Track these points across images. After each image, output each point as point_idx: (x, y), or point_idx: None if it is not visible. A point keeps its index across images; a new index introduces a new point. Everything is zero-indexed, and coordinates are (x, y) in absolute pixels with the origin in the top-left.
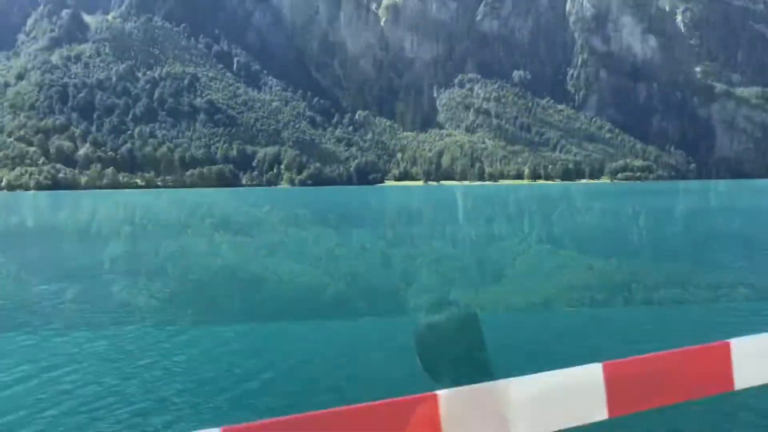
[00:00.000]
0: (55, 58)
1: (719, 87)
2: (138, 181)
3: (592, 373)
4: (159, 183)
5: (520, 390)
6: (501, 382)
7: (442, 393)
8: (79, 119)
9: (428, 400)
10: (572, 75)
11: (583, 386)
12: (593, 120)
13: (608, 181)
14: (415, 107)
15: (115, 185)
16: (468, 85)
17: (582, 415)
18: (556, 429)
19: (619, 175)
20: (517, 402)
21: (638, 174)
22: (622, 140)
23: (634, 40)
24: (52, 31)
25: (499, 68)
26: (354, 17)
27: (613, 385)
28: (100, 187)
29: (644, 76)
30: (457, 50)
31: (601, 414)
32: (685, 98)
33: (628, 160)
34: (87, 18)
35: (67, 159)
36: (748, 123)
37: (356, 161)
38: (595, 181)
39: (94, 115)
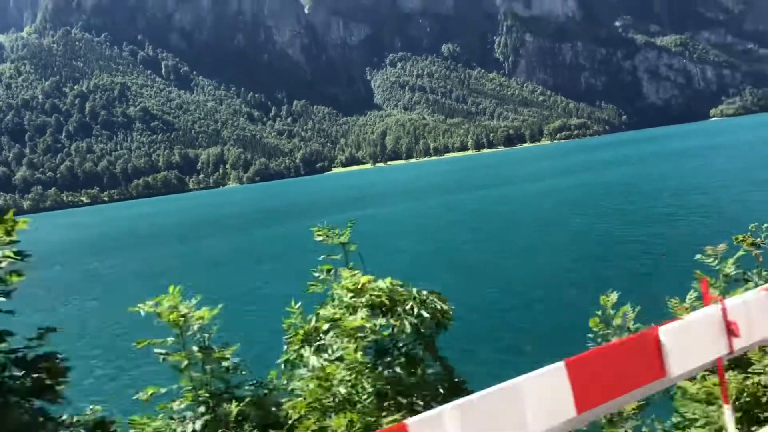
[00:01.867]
0: None
1: (640, 38)
2: (83, 198)
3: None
4: (105, 198)
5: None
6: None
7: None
8: (10, 143)
9: None
10: (499, 43)
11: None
12: (525, 85)
13: (548, 142)
14: (351, 91)
15: (60, 206)
16: (400, 64)
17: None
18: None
19: (558, 135)
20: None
21: (576, 132)
22: (555, 101)
23: (554, 1)
24: None
25: (427, 44)
26: (277, 6)
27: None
28: (44, 209)
29: (568, 36)
30: (383, 30)
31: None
32: (609, 53)
33: (564, 120)
34: (0, 37)
35: (5, 185)
36: (671, 71)
37: (301, 152)
38: (537, 144)
39: (26, 137)
